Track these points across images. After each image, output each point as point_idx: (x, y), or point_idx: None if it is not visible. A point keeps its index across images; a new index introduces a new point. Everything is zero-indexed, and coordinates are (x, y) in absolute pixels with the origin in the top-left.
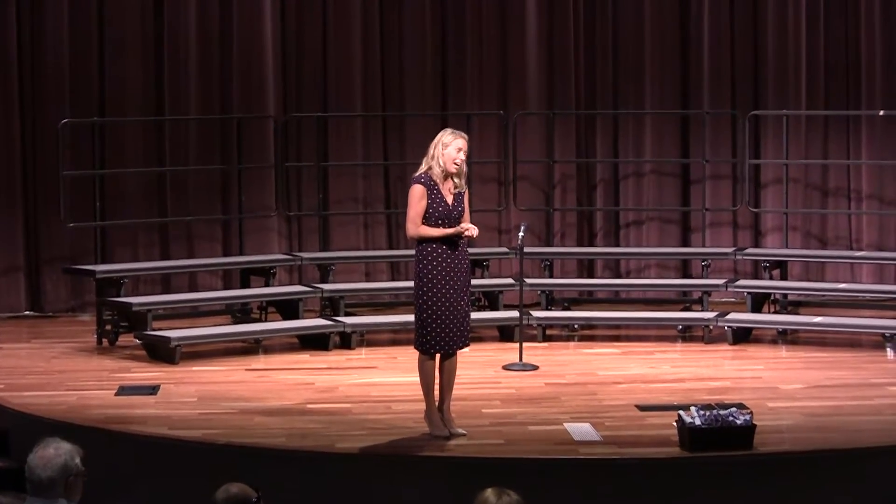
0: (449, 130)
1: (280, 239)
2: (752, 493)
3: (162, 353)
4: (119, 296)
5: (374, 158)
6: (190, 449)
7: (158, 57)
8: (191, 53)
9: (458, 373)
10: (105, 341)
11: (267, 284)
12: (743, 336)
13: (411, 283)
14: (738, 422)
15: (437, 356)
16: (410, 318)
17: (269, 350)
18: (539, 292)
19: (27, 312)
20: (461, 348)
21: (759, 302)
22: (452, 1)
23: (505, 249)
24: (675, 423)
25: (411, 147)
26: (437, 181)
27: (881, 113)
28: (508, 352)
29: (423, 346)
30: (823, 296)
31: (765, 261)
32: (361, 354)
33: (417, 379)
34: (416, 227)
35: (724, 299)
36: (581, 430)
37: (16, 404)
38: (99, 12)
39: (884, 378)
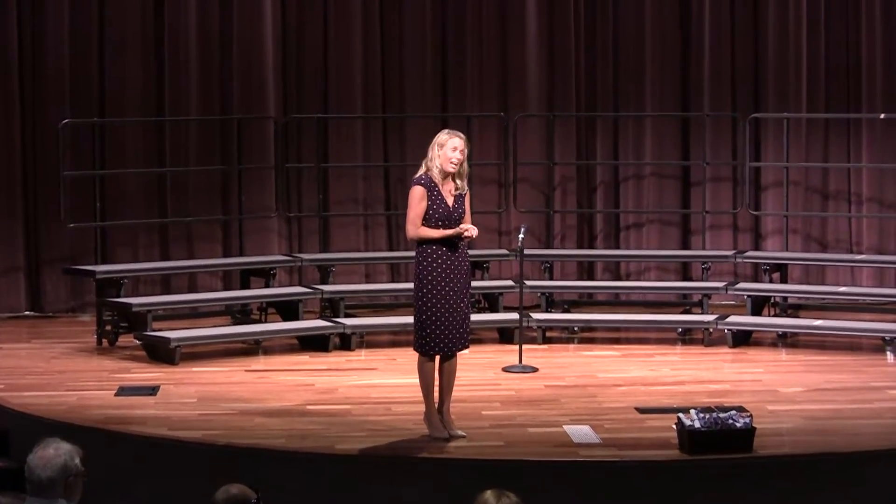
0: (445, 131)
1: (280, 240)
2: (751, 496)
3: (162, 353)
4: (119, 296)
5: (375, 160)
6: (190, 450)
7: (159, 57)
8: (191, 54)
9: (457, 374)
10: (105, 342)
11: (267, 285)
12: (743, 339)
13: (411, 285)
14: (738, 425)
15: (437, 358)
16: (410, 319)
17: (268, 351)
18: (539, 294)
19: (27, 313)
20: (461, 350)
21: (759, 305)
22: (453, 2)
23: (505, 251)
24: (674, 426)
25: (411, 149)
26: (437, 182)
27: (882, 116)
28: (508, 354)
29: (422, 348)
30: (823, 299)
31: (765, 264)
32: (361, 356)
33: (417, 380)
34: (416, 228)
35: (724, 302)
36: (581, 432)
37: (16, 404)
38: (99, 13)
39: (884, 381)
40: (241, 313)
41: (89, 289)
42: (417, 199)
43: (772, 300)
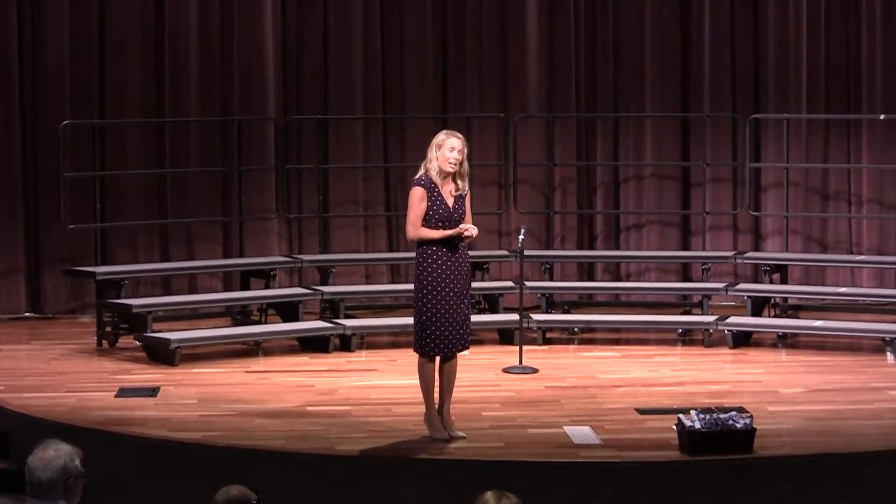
0: (443, 131)
1: (280, 241)
2: (751, 496)
3: (162, 354)
4: (119, 297)
5: (375, 161)
6: (190, 451)
7: (159, 58)
8: (191, 55)
9: (457, 376)
10: (105, 343)
11: (267, 286)
12: (743, 340)
13: (411, 286)
14: (738, 425)
15: (437, 359)
16: (410, 320)
17: (268, 352)
18: (539, 295)
19: (27, 314)
20: (461, 351)
21: (759, 305)
22: (453, 3)
23: (505, 252)
24: (674, 427)
25: (412, 149)
26: (437, 183)
27: (882, 117)
28: (508, 355)
29: (422, 349)
30: (823, 300)
31: (765, 264)
32: (361, 357)
33: (417, 381)
34: (416, 229)
35: (724, 303)
36: (581, 433)
37: (16, 406)
38: (100, 14)
39: (884, 382)
40: (241, 314)
41: (89, 290)
42: (417, 200)
43: (772, 301)
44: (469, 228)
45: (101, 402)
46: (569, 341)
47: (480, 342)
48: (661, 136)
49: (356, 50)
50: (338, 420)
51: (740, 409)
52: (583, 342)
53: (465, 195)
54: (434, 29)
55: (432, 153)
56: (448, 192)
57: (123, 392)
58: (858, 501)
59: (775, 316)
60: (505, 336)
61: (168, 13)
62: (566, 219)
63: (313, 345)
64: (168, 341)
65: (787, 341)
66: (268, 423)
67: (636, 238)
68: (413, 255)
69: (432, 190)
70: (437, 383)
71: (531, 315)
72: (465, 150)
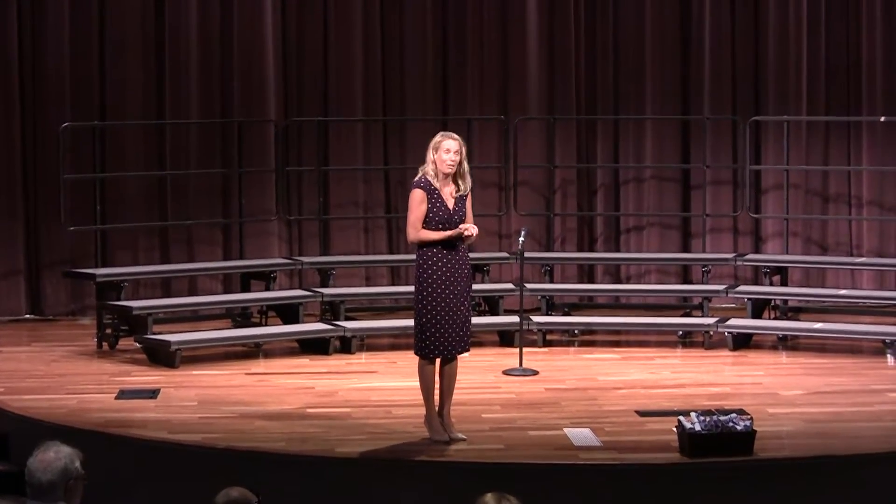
0: (440, 133)
1: (280, 243)
2: (752, 498)
3: (162, 356)
4: (119, 299)
5: (375, 163)
6: (190, 453)
7: (159, 60)
8: (191, 57)
9: (458, 377)
10: (105, 345)
11: (267, 288)
12: (743, 342)
13: (412, 288)
14: (739, 428)
15: (437, 361)
16: (411, 322)
17: (269, 354)
18: (539, 297)
19: (27, 316)
20: (461, 353)
21: (759, 308)
22: (453, 5)
23: (505, 254)
24: (675, 429)
25: (412, 151)
26: (437, 185)
27: (882, 119)
28: (508, 357)
29: (422, 351)
30: (824, 302)
31: (765, 267)
32: (361, 359)
33: (417, 383)
34: (416, 231)
35: (724, 305)
36: (581, 435)
37: (16, 408)
38: (100, 15)
39: (884, 384)
40: (241, 316)
41: (89, 292)
42: (417, 202)
43: (772, 303)
44: (469, 228)
45: (101, 404)
46: (569, 343)
47: (481, 344)
48: (661, 138)
49: (356, 52)
50: (338, 422)
51: (740, 412)
52: (583, 344)
53: (466, 196)
54: (434, 31)
55: (430, 156)
56: (448, 193)
57: (124, 394)
58: (858, 503)
59: (775, 318)
60: (505, 338)
61: (168, 14)
62: (566, 221)
63: (313, 347)
64: (168, 343)
65: (787, 343)
66: (268, 425)
67: (636, 240)
68: (413, 257)
69: (432, 192)
70: (437, 385)
71: (531, 317)
72: (464, 151)
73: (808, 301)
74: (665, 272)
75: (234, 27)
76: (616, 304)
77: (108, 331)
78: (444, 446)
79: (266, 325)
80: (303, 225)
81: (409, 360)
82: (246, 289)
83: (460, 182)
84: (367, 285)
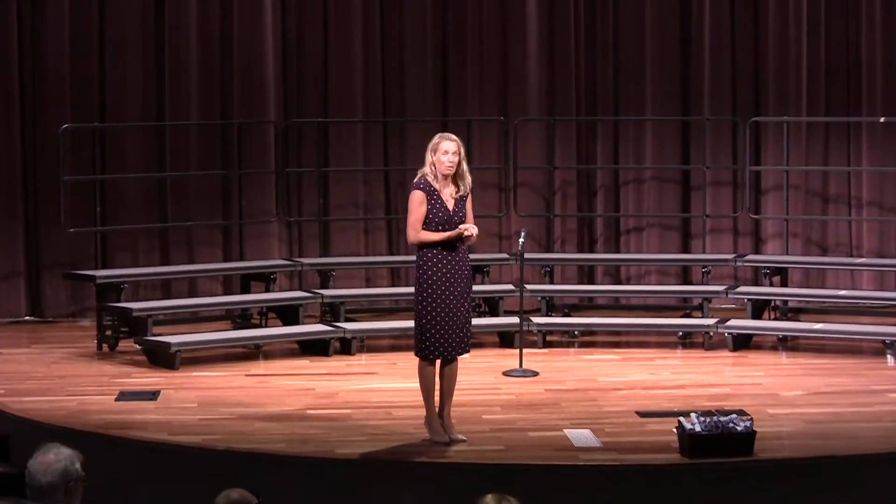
0: (438, 135)
1: (280, 244)
2: (752, 499)
3: (162, 358)
4: (119, 301)
5: (375, 164)
6: (190, 454)
7: (159, 62)
8: (191, 58)
9: (458, 379)
10: (105, 346)
11: (267, 290)
12: (743, 342)
13: (412, 289)
14: (739, 428)
15: (438, 362)
16: (411, 323)
17: (269, 355)
18: (539, 298)
19: (27, 317)
20: (461, 354)
21: (759, 308)
22: (453, 6)
23: (505, 255)
24: (675, 430)
25: (412, 153)
26: (437, 187)
27: (882, 120)
28: (508, 358)
29: (422, 352)
30: (824, 302)
31: (765, 267)
32: (361, 360)
33: (417, 385)
34: (416, 233)
35: (724, 306)
36: (581, 436)
37: (16, 409)
38: (99, 16)
39: (884, 385)
40: (241, 318)
41: (89, 293)
42: (417, 203)
43: (772, 304)
44: (469, 228)
45: (101, 406)
46: (569, 344)
47: (481, 345)
48: (661, 139)
49: (356, 53)
50: (338, 423)
51: (740, 412)
52: (583, 345)
53: (467, 196)
54: (434, 31)
55: (429, 157)
56: (448, 194)
57: (124, 395)
58: None
59: (775, 319)
60: (505, 339)
61: (168, 15)
62: (566, 222)
63: (313, 348)
64: (168, 345)
65: (787, 344)
66: (268, 426)
67: (636, 241)
68: (413, 258)
69: (432, 193)
70: (437, 386)
71: (531, 318)
72: (462, 152)
73: (808, 302)
74: (665, 273)
75: (233, 28)
76: (616, 305)
77: (108, 332)
78: (445, 447)
79: (266, 326)
80: (303, 226)
81: (409, 362)
82: (246, 290)
83: (460, 183)
84: (367, 286)
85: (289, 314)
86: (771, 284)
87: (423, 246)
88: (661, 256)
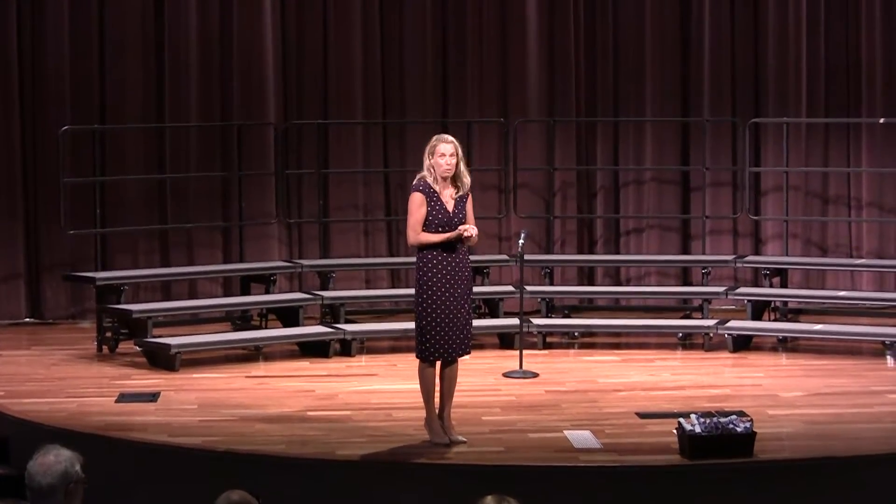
0: (435, 137)
1: (280, 246)
2: (752, 500)
3: (162, 360)
4: (119, 303)
5: (375, 165)
6: (190, 456)
7: (159, 63)
8: (191, 59)
9: (458, 380)
10: (105, 348)
11: (267, 291)
12: (743, 344)
13: (412, 291)
14: (739, 429)
15: (438, 363)
16: (411, 325)
17: (269, 357)
18: (539, 300)
19: (27, 319)
20: (462, 355)
21: (759, 309)
22: (453, 7)
23: (505, 257)
24: (675, 431)
25: (412, 154)
26: (436, 188)
27: (881, 121)
28: (508, 359)
29: (422, 354)
30: (823, 303)
31: (765, 268)
32: (361, 362)
33: (417, 386)
34: (416, 234)
35: (724, 307)
36: (581, 437)
37: (16, 411)
38: (99, 17)
39: (884, 386)
40: (241, 319)
41: (89, 295)
42: (416, 205)
43: (772, 305)
44: (469, 229)
45: (101, 408)
46: (569, 345)
47: (481, 346)
48: (661, 140)
49: (356, 54)
50: (338, 425)
51: (740, 413)
52: (583, 346)
53: (467, 197)
54: (434, 33)
55: (427, 160)
56: (448, 196)
57: (124, 397)
58: None
59: (775, 320)
60: (505, 340)
61: (168, 16)
62: (566, 223)
63: (314, 350)
64: (168, 346)
65: (787, 345)
66: (268, 427)
67: (636, 242)
68: (413, 259)
69: (431, 195)
70: (437, 388)
71: (531, 319)
72: (460, 152)
73: (807, 302)
74: (665, 274)
75: (233, 29)
76: (616, 307)
77: (108, 334)
78: (445, 449)
79: (266, 328)
80: (303, 228)
81: (409, 363)
82: (246, 292)
83: (459, 183)
84: (367, 288)
85: (289, 316)
86: (771, 285)
87: (424, 247)
88: (660, 258)
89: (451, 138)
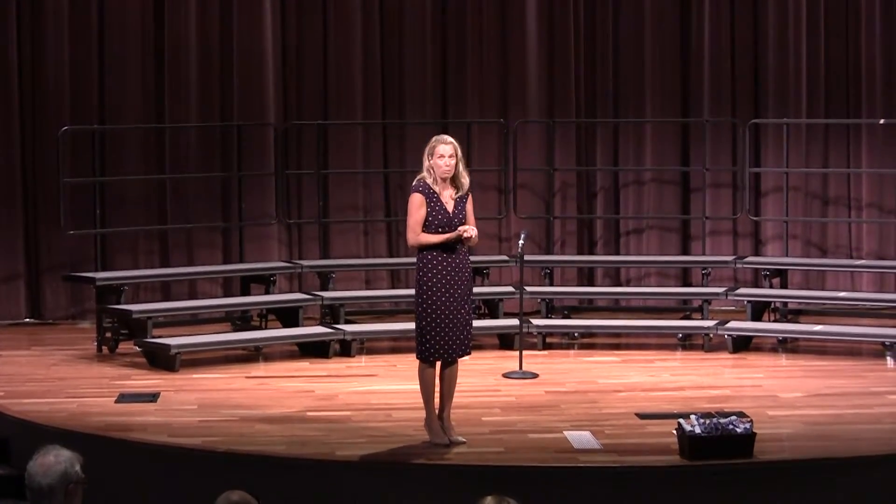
0: (434, 138)
1: (280, 246)
2: (751, 501)
3: (162, 360)
4: (119, 303)
5: (374, 166)
6: (190, 456)
7: (159, 64)
8: (191, 60)
9: (458, 381)
10: (105, 349)
11: (267, 292)
12: (743, 344)
13: (411, 291)
14: (738, 430)
15: (438, 364)
16: (410, 325)
17: (269, 358)
18: (539, 300)
19: (27, 320)
20: (462, 356)
21: (759, 310)
22: (453, 8)
23: (505, 257)
24: (675, 432)
25: (411, 155)
26: (436, 189)
27: (881, 121)
28: (508, 360)
29: (422, 354)
30: (823, 304)
31: (765, 269)
32: (361, 362)
33: (417, 386)
34: (415, 235)
35: (724, 308)
36: (581, 438)
37: (16, 412)
38: (99, 19)
39: (884, 387)
40: (241, 320)
41: (89, 296)
42: (416, 206)
43: (772, 305)
44: (468, 230)
45: (101, 408)
46: (569, 346)
47: (481, 347)
48: (660, 140)
49: (356, 55)
50: (338, 425)
51: (740, 414)
52: (583, 347)
53: (467, 197)
54: (434, 34)
55: (426, 161)
56: (448, 196)
57: (123, 398)
58: None
59: (775, 320)
60: (505, 341)
61: (168, 17)
62: (566, 224)
63: (313, 350)
64: (168, 347)
65: (787, 346)
66: (268, 428)
67: (636, 243)
68: (413, 260)
69: (431, 196)
70: (437, 388)
71: (531, 320)
72: (459, 153)
73: (807, 303)
74: (665, 275)
75: (233, 30)
76: (616, 307)
77: (108, 334)
78: (444, 449)
79: (266, 328)
80: (302, 228)
81: (408, 363)
82: (246, 292)
83: (458, 183)
84: (367, 288)
85: (288, 316)
86: (771, 286)
87: (423, 248)
88: (660, 258)
89: (450, 139)
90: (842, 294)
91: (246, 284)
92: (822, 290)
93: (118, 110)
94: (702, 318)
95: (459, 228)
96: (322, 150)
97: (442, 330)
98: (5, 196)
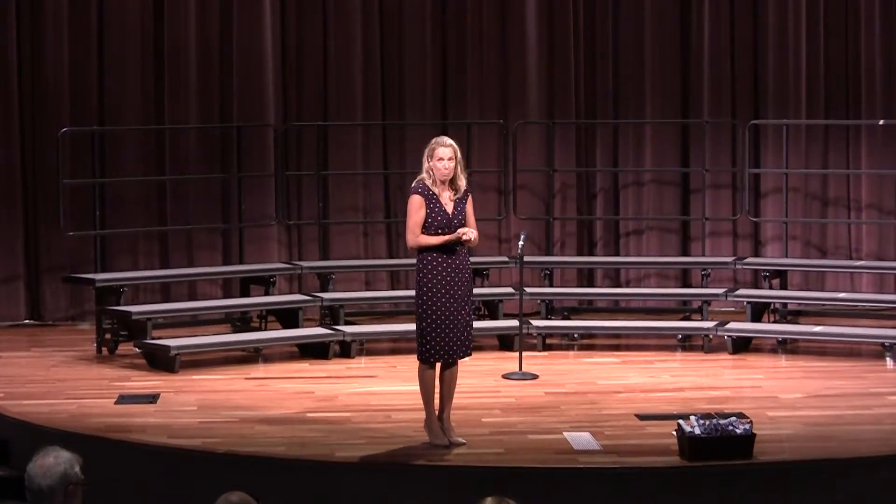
0: (434, 140)
1: (280, 248)
2: (751, 502)
3: (161, 361)
4: (119, 304)
5: (374, 167)
6: (190, 458)
7: (158, 65)
8: (191, 61)
9: (458, 382)
10: (105, 350)
11: (267, 293)
12: (743, 345)
13: (411, 292)
14: (738, 431)
15: (438, 365)
16: (410, 326)
17: (268, 359)
18: (539, 301)
19: (27, 321)
20: (462, 357)
21: (758, 311)
22: (453, 9)
23: (505, 258)
24: (674, 433)
25: (411, 156)
26: (435, 191)
27: (881, 122)
28: (508, 361)
29: (422, 355)
30: (823, 305)
31: (764, 270)
32: (361, 363)
33: (417, 388)
34: (415, 236)
35: (723, 308)
36: (581, 439)
37: (16, 413)
38: (99, 19)
39: (883, 387)
40: (240, 321)
41: (89, 297)
42: (416, 207)
43: (771, 306)
44: (468, 232)
45: (101, 409)
46: (569, 347)
47: (480, 348)
48: (660, 141)
49: (356, 56)
50: (338, 426)
51: (740, 415)
52: (583, 348)
53: (467, 198)
54: (433, 35)
55: (426, 163)
56: (447, 198)
57: (123, 399)
58: None
59: (775, 321)
60: (505, 342)
61: (167, 18)
62: (566, 225)
63: (313, 351)
64: (168, 348)
65: (786, 347)
66: (268, 429)
67: (636, 244)
68: (413, 261)
69: (430, 197)
70: (437, 389)
71: (531, 321)
72: (458, 155)
73: (807, 304)
74: (664, 276)
75: (233, 31)
76: (616, 308)
77: (108, 336)
78: (444, 450)
79: (266, 329)
80: (302, 229)
81: (408, 364)
82: (245, 293)
83: (458, 184)
84: (367, 289)
85: (288, 317)
86: (770, 287)
87: (423, 250)
88: (660, 259)
89: (449, 141)
90: (841, 295)
91: (246, 285)
92: (822, 291)
93: (118, 111)
94: (701, 319)
95: (458, 231)
96: (322, 151)
97: (442, 331)
98: (5, 197)
